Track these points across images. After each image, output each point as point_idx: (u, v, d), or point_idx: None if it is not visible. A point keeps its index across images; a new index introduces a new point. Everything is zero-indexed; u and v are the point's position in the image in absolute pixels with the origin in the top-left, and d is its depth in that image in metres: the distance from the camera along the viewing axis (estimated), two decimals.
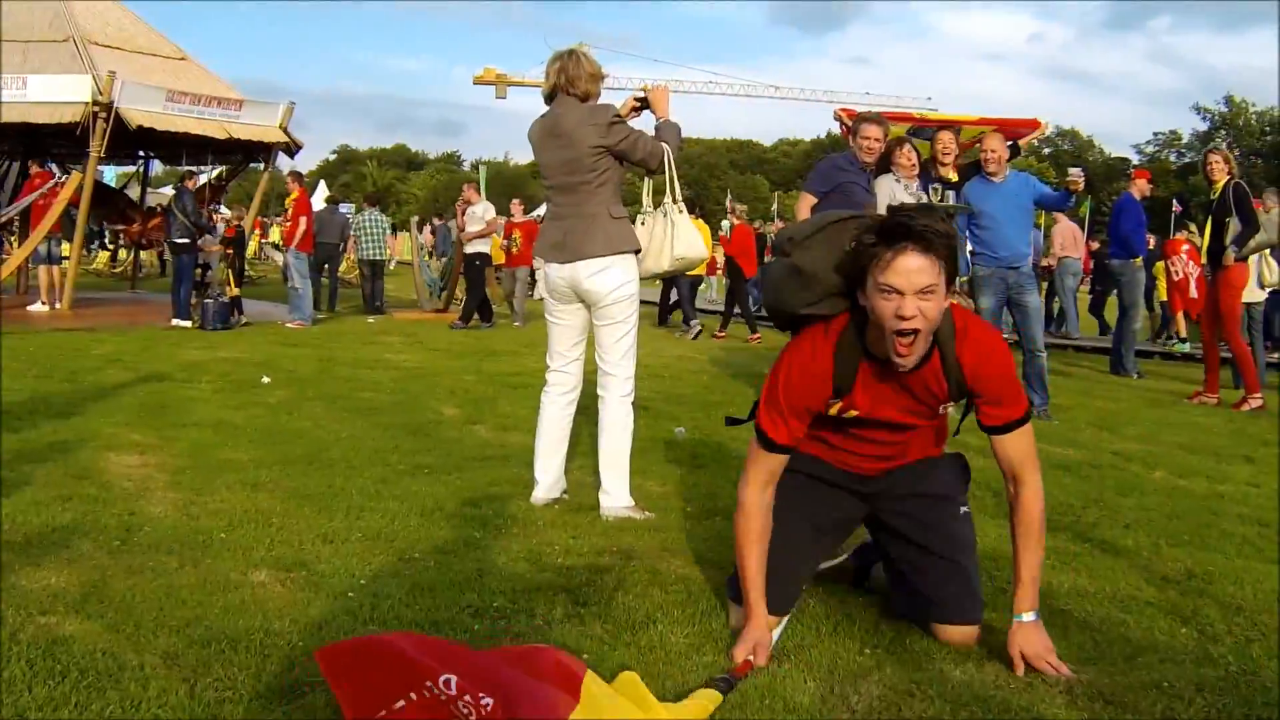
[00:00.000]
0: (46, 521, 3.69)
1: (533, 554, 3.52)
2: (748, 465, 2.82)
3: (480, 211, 13.82)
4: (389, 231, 18.03)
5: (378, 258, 15.97)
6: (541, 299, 4.35)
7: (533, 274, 14.11)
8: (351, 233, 16.25)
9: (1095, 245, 20.47)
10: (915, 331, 2.48)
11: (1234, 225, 7.90)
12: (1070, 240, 14.20)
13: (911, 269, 2.42)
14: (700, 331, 13.39)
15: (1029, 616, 2.69)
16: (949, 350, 2.65)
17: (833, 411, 2.78)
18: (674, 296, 14.81)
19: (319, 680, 2.41)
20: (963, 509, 3.01)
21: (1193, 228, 13.12)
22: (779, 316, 2.91)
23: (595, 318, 4.13)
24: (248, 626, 2.74)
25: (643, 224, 4.36)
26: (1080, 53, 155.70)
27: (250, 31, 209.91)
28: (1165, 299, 13.68)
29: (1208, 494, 4.87)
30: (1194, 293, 12.03)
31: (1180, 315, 12.97)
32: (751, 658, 2.58)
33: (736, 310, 14.08)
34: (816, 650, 2.73)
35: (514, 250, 14.34)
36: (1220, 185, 8.02)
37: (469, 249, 13.77)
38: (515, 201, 15.55)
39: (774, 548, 2.79)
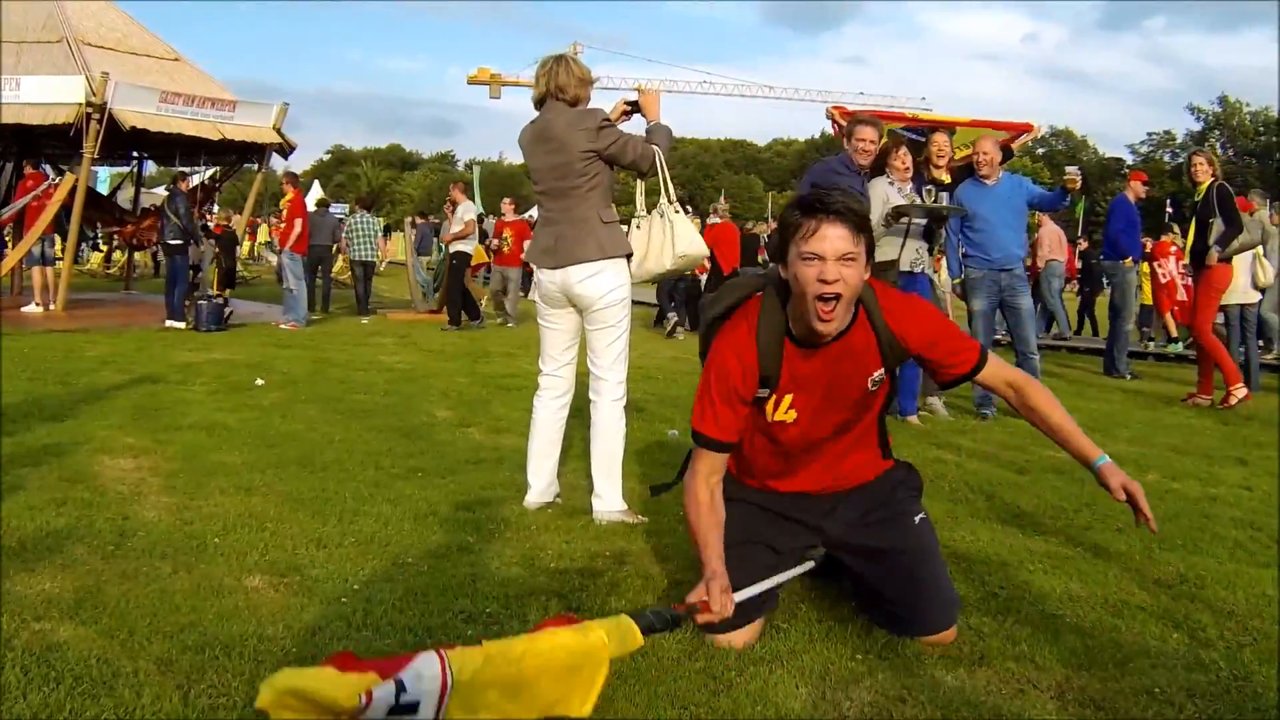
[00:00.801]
0: (41, 526, 3.69)
1: (526, 558, 3.52)
2: (692, 461, 2.85)
3: (461, 212, 13.87)
4: (380, 233, 18.04)
5: (369, 259, 16.02)
6: (535, 299, 4.35)
7: (525, 275, 14.22)
8: (344, 234, 16.29)
9: (1085, 245, 20.57)
10: (837, 296, 2.58)
11: (1217, 226, 8.05)
12: (1055, 243, 14.30)
13: (833, 236, 2.57)
14: (676, 324, 13.60)
15: (1105, 459, 2.75)
16: (875, 313, 2.77)
17: (769, 410, 2.81)
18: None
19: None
20: (917, 518, 3.01)
21: (1175, 229, 13.26)
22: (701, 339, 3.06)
23: (587, 322, 4.14)
24: (241, 632, 2.74)
25: (638, 227, 4.37)
26: (1075, 53, 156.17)
27: (243, 31, 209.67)
28: (1147, 301, 13.76)
29: (1200, 497, 4.88)
30: (1182, 294, 12.14)
31: (1169, 316, 13.07)
32: (706, 599, 2.49)
33: None
34: (808, 656, 2.73)
35: (504, 249, 14.32)
36: (1204, 186, 8.18)
37: (451, 249, 13.86)
38: (506, 201, 15.55)
39: (733, 569, 2.74)
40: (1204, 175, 8.20)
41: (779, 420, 2.84)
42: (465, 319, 13.59)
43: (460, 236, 13.67)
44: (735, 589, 2.64)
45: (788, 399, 2.80)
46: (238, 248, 16.37)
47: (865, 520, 2.98)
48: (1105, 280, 11.67)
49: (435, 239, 19.83)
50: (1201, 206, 8.20)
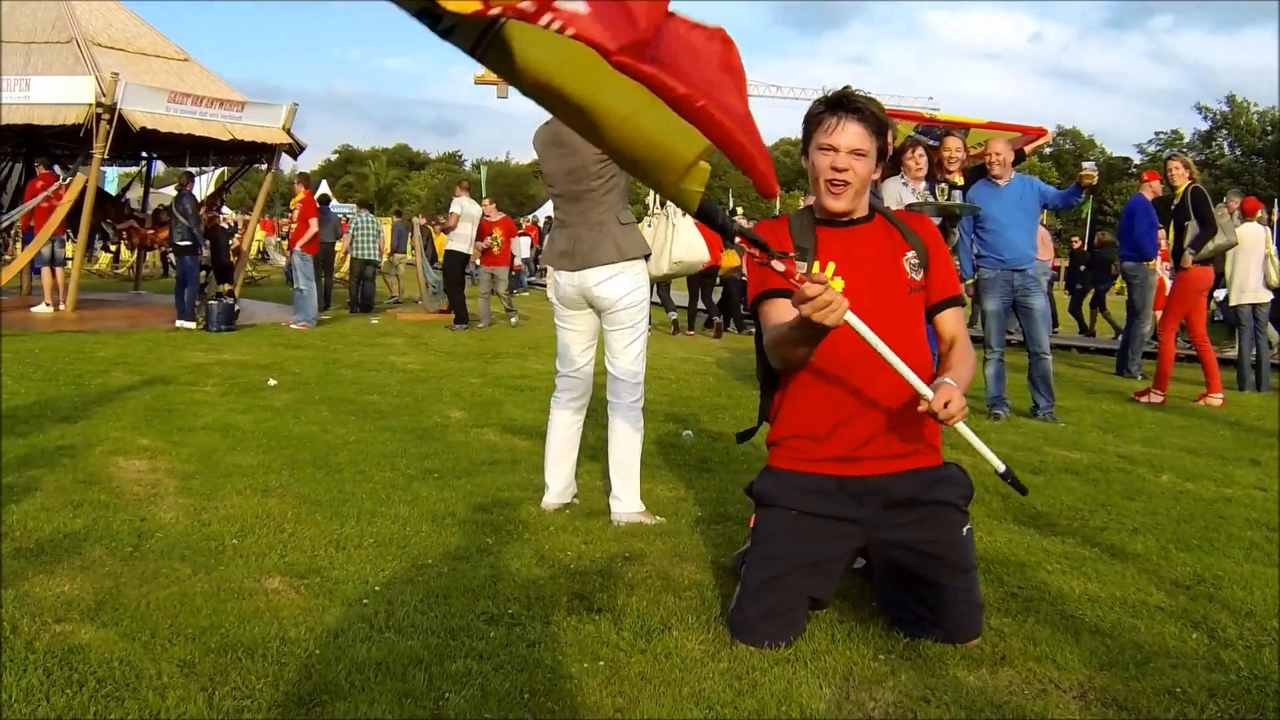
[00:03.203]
0: (58, 528, 3.70)
1: (545, 560, 3.52)
2: (762, 324, 2.98)
3: (453, 206, 14.01)
4: (381, 233, 18.11)
5: (369, 258, 16.15)
6: (550, 300, 4.34)
7: (512, 273, 14.43)
8: (351, 233, 16.39)
9: (1077, 244, 20.50)
10: (846, 183, 2.86)
11: (1192, 228, 8.32)
12: (1043, 243, 14.34)
13: (850, 131, 2.84)
14: (676, 322, 13.96)
15: (949, 380, 2.79)
16: (889, 214, 3.07)
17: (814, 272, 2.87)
18: (696, 299, 14.84)
19: (337, 689, 2.43)
20: (964, 529, 2.96)
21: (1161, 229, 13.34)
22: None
23: (605, 324, 4.14)
24: (263, 634, 2.75)
25: (649, 226, 4.37)
26: (1081, 52, 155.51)
27: (242, 31, 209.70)
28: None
29: (1214, 498, 4.87)
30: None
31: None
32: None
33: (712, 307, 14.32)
34: (831, 656, 2.74)
35: (495, 250, 14.29)
36: (1181, 190, 8.33)
37: (445, 247, 14.10)
38: (487, 201, 15.56)
39: (773, 591, 2.83)
40: (1180, 179, 8.47)
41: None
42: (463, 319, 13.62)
43: (448, 228, 13.82)
44: (773, 617, 2.81)
45: (831, 265, 2.92)
46: (231, 244, 16.27)
47: (911, 521, 2.91)
48: (1126, 281, 11.66)
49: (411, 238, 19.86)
50: (1178, 210, 8.45)
